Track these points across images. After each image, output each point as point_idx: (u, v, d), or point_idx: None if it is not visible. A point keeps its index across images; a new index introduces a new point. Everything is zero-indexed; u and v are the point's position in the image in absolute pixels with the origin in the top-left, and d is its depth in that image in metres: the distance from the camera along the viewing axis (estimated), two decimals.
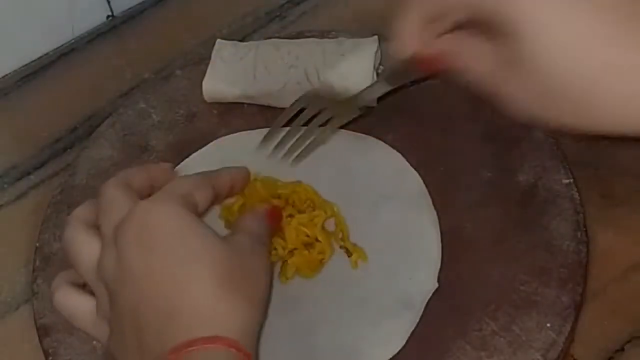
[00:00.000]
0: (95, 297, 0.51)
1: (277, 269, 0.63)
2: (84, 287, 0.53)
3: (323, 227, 0.63)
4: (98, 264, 0.49)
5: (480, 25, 0.44)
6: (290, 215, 0.63)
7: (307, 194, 0.65)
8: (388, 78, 0.62)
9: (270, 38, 0.77)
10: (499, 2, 0.40)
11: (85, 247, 0.50)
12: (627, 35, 0.38)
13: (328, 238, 0.63)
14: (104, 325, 0.50)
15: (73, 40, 0.86)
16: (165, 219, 0.47)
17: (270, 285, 0.55)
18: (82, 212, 0.53)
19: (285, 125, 0.68)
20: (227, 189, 0.59)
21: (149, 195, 0.52)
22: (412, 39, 0.49)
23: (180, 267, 0.46)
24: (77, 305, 0.52)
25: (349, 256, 0.63)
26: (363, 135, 0.71)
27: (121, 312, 0.48)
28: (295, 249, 0.62)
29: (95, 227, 0.51)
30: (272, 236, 0.60)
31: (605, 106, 0.38)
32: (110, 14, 0.87)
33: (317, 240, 0.63)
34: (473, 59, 0.44)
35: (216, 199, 0.57)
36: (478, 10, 0.42)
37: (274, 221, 0.60)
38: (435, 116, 0.71)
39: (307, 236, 0.62)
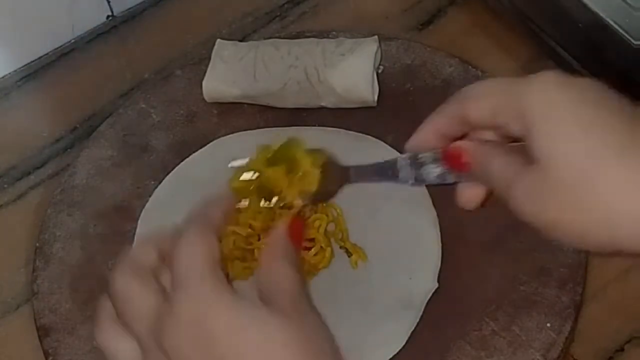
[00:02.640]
0: None
1: None
2: None
3: (326, 230, 0.63)
4: None
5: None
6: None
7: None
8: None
9: (270, 38, 0.78)
10: (523, 92, 0.42)
11: (121, 355, 0.46)
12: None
13: (329, 243, 0.63)
14: None
15: (73, 40, 0.86)
16: (222, 309, 0.43)
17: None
18: (107, 307, 0.48)
19: None
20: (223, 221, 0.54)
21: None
22: (430, 135, 0.49)
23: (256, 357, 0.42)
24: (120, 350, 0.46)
25: (349, 256, 0.63)
26: (363, 135, 0.71)
27: None
28: None
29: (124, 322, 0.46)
30: (301, 263, 0.57)
31: (622, 225, 0.38)
32: (110, 14, 0.87)
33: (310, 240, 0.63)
34: (493, 158, 0.45)
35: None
36: (502, 126, 0.44)
37: (297, 240, 0.52)
38: None
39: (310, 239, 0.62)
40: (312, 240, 0.62)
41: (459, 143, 0.47)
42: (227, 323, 0.43)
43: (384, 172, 0.54)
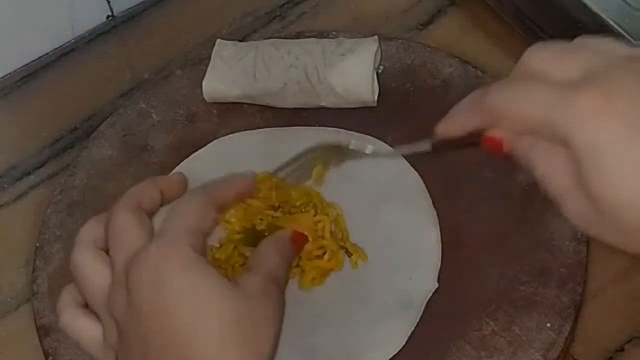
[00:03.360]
0: (102, 325, 0.50)
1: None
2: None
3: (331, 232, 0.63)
4: (108, 297, 0.48)
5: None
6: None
7: (309, 197, 0.65)
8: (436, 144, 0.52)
9: (270, 38, 0.77)
10: (564, 122, 0.37)
11: (94, 276, 0.49)
12: None
13: (338, 245, 0.63)
14: (111, 355, 0.49)
15: (73, 40, 0.86)
16: (177, 267, 0.46)
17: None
18: (90, 232, 0.52)
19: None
20: (231, 201, 0.58)
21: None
22: (467, 117, 0.45)
23: (189, 318, 0.45)
24: (85, 329, 0.51)
25: (349, 256, 0.63)
26: (363, 135, 0.71)
27: (130, 349, 0.47)
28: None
29: (104, 250, 0.50)
30: (290, 266, 0.58)
31: None
32: (110, 14, 0.87)
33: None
34: (542, 159, 0.41)
35: (222, 213, 0.56)
36: (544, 129, 0.39)
37: (298, 246, 0.58)
38: (435, 116, 0.71)
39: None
40: (322, 247, 0.62)
41: (499, 132, 0.43)
42: (184, 279, 0.46)
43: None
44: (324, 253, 0.62)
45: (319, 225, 0.62)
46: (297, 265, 0.62)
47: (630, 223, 0.36)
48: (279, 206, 0.63)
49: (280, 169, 0.63)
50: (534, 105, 0.39)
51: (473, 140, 0.44)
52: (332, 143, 0.63)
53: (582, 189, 0.38)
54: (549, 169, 0.40)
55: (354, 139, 0.64)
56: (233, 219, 0.62)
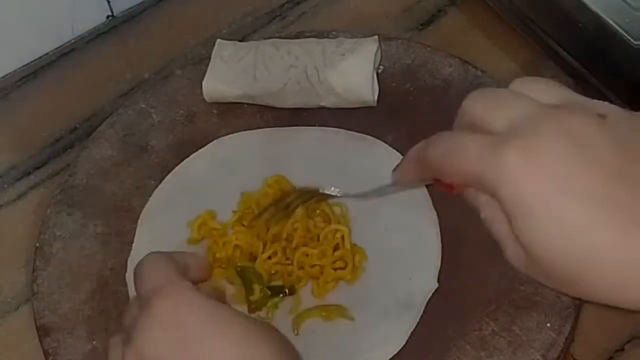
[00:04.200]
0: None
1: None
2: None
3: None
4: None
5: None
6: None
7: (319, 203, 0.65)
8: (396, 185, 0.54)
9: (270, 38, 0.77)
10: (492, 178, 0.38)
11: None
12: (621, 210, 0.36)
13: (354, 255, 0.63)
14: None
15: (73, 40, 0.85)
16: (190, 307, 0.47)
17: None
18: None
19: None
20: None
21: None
22: (413, 169, 0.46)
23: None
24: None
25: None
26: (363, 135, 0.71)
27: None
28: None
29: None
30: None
31: (600, 284, 0.37)
32: (110, 14, 0.87)
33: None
34: (485, 205, 0.42)
35: None
36: (476, 185, 0.41)
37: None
38: (435, 116, 0.71)
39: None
40: (341, 258, 0.63)
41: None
42: (203, 320, 0.45)
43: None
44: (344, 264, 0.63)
45: (338, 235, 0.63)
46: (317, 278, 0.62)
47: (556, 271, 0.37)
48: (287, 206, 0.64)
49: (259, 215, 0.64)
50: (468, 161, 0.40)
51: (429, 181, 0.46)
52: (304, 189, 0.65)
53: (514, 239, 0.39)
54: (490, 214, 0.42)
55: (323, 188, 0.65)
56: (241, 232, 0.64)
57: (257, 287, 0.62)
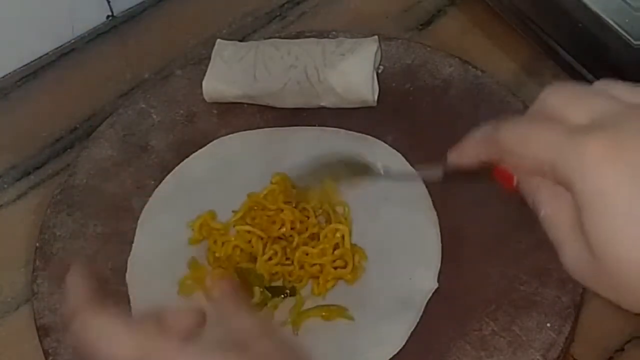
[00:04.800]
0: None
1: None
2: None
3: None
4: None
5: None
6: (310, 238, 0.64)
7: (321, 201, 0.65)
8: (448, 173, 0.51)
9: (270, 38, 0.77)
10: (569, 167, 0.37)
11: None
12: None
13: (353, 254, 0.63)
14: None
15: (73, 40, 0.85)
16: None
17: None
18: None
19: None
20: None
21: None
22: (479, 149, 0.44)
23: None
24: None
25: None
26: (363, 135, 0.71)
27: None
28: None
29: None
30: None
31: None
32: (110, 14, 0.87)
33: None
34: (547, 201, 0.40)
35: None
36: (550, 171, 0.38)
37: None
38: (435, 116, 0.71)
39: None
40: (341, 257, 0.63)
41: (509, 167, 0.42)
42: None
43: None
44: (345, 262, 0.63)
45: (338, 234, 0.63)
46: (317, 277, 0.62)
47: (627, 278, 0.36)
48: (295, 205, 0.64)
49: (295, 168, 0.62)
50: (542, 146, 0.38)
51: (484, 171, 0.44)
52: (353, 158, 0.60)
53: (581, 237, 0.37)
54: (552, 212, 0.40)
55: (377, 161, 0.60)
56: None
57: (257, 290, 0.62)
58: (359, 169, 0.58)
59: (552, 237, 0.40)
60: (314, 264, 0.62)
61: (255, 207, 0.66)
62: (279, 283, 0.63)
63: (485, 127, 0.43)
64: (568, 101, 0.39)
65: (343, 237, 0.63)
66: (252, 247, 0.64)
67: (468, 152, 0.45)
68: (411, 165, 0.67)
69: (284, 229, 0.64)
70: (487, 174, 0.43)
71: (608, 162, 0.36)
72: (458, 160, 0.45)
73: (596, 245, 0.36)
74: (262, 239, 0.64)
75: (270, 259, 0.63)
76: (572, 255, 0.38)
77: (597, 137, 0.36)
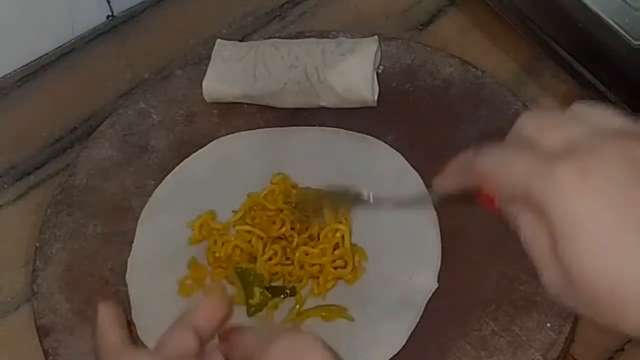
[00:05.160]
0: None
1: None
2: None
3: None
4: None
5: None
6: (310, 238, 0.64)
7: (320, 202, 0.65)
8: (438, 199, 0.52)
9: (270, 38, 0.77)
10: (541, 194, 0.37)
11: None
12: None
13: (353, 254, 0.63)
14: None
15: (73, 40, 0.85)
16: None
17: None
18: None
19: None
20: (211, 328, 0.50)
21: None
22: (459, 176, 0.45)
23: None
24: None
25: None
26: (363, 135, 0.71)
27: None
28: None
29: None
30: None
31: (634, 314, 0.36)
32: (110, 14, 0.87)
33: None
34: (527, 225, 0.41)
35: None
36: (525, 197, 0.39)
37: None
38: (435, 116, 0.71)
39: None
40: (341, 257, 0.63)
41: (491, 192, 0.43)
42: None
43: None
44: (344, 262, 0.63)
45: (338, 234, 0.63)
46: (317, 277, 0.62)
47: (600, 299, 0.36)
48: (295, 205, 0.64)
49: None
50: (517, 174, 0.39)
51: (469, 196, 0.45)
52: (334, 187, 0.63)
53: (556, 263, 0.38)
54: (531, 236, 0.40)
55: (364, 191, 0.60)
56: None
57: (257, 290, 0.62)
58: (348, 199, 0.60)
59: (532, 258, 0.40)
60: (314, 264, 0.62)
61: (255, 207, 0.66)
62: (279, 283, 0.63)
63: (465, 154, 0.44)
64: (543, 127, 0.40)
65: (343, 237, 0.63)
66: (252, 247, 0.64)
67: (450, 178, 0.46)
68: (415, 169, 0.67)
69: (283, 229, 0.64)
70: (472, 200, 0.44)
71: (578, 189, 0.36)
72: (441, 187, 0.47)
73: (570, 270, 0.37)
74: (262, 238, 0.64)
75: (270, 259, 0.63)
76: (551, 278, 0.39)
77: (569, 165, 0.37)
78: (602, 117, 0.40)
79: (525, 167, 0.38)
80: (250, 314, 0.62)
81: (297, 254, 0.62)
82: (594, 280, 0.36)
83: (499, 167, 0.40)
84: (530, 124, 0.41)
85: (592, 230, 0.36)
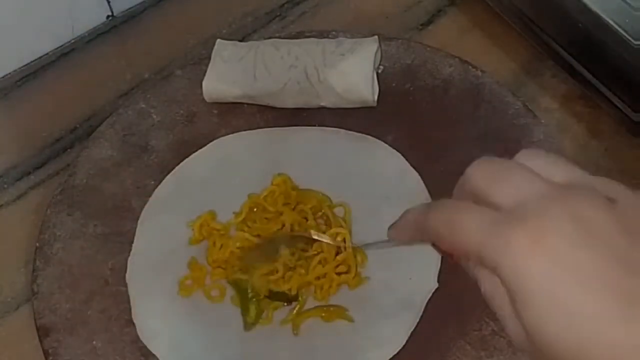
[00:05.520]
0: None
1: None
2: None
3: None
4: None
5: None
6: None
7: (320, 203, 0.65)
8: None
9: (270, 38, 0.77)
10: (495, 257, 0.37)
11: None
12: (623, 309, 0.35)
13: (355, 257, 0.63)
14: None
15: (73, 40, 0.86)
16: None
17: None
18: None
19: None
20: None
21: None
22: (412, 231, 0.45)
23: None
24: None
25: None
26: (363, 135, 0.71)
27: None
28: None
29: None
30: None
31: None
32: (110, 14, 0.87)
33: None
34: (485, 279, 0.41)
35: None
36: (478, 258, 0.39)
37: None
38: (435, 116, 0.71)
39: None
40: (344, 262, 0.63)
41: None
42: None
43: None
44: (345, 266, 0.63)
45: (340, 237, 0.63)
46: (318, 278, 0.62)
47: (559, 355, 0.36)
48: (294, 207, 0.64)
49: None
50: (467, 235, 0.39)
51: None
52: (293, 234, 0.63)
53: (515, 320, 0.38)
54: (491, 290, 0.40)
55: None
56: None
57: (252, 308, 0.62)
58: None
59: (494, 312, 0.40)
60: (318, 277, 0.62)
61: (255, 209, 0.66)
62: (280, 289, 0.63)
63: (417, 209, 0.43)
64: (491, 180, 0.40)
65: (344, 240, 0.63)
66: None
67: (403, 233, 0.46)
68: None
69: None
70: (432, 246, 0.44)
71: (530, 249, 0.36)
72: (397, 237, 0.47)
73: (527, 328, 0.37)
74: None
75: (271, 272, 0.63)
76: (512, 329, 0.39)
77: (519, 225, 0.36)
78: (548, 167, 0.39)
79: (476, 227, 0.38)
80: (247, 328, 0.61)
81: (295, 276, 0.62)
82: (548, 340, 0.36)
83: (449, 228, 0.40)
84: (478, 176, 0.40)
85: (546, 292, 0.36)
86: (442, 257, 0.62)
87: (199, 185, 0.70)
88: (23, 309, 0.68)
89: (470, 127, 0.70)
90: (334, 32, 0.77)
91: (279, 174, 0.68)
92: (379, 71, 0.74)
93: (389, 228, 0.47)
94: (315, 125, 0.72)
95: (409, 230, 0.45)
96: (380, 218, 0.65)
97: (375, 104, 0.72)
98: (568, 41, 0.73)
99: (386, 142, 0.70)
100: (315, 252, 0.62)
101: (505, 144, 0.67)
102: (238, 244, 0.64)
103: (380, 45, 0.73)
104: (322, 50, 0.72)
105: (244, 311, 0.62)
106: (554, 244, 0.36)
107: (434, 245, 0.43)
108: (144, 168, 0.72)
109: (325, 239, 0.62)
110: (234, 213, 0.66)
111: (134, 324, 0.63)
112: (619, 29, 0.68)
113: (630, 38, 0.67)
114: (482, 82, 0.72)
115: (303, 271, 0.62)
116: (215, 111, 0.75)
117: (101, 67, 0.83)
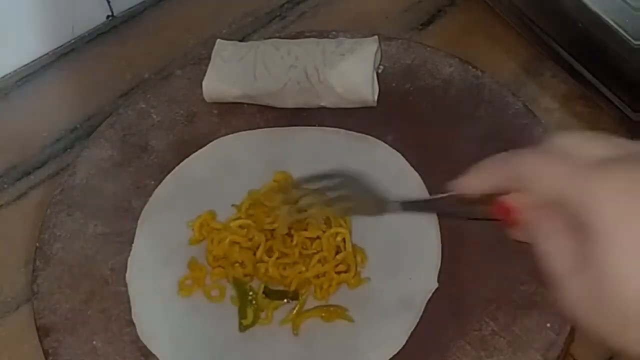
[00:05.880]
0: None
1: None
2: None
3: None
4: None
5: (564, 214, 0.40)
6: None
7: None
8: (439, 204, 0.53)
9: (270, 38, 0.77)
10: (580, 198, 0.37)
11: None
12: None
13: (355, 257, 0.63)
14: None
15: (73, 40, 0.86)
16: None
17: None
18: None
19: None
20: None
21: None
22: (490, 176, 0.44)
23: None
24: None
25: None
26: (363, 135, 0.71)
27: None
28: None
29: None
30: None
31: None
32: (110, 14, 0.87)
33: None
34: (547, 236, 0.40)
35: None
36: (561, 201, 0.39)
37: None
38: (435, 116, 0.71)
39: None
40: (344, 261, 0.63)
41: (511, 200, 0.43)
42: None
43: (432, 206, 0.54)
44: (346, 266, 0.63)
45: (339, 237, 0.63)
46: (317, 277, 0.62)
47: (631, 313, 0.36)
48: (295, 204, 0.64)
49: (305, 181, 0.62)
50: (557, 177, 0.39)
51: (483, 205, 0.44)
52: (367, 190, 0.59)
53: (584, 273, 0.37)
54: (553, 247, 0.40)
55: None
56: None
57: (250, 312, 0.62)
58: (372, 203, 0.57)
59: (550, 272, 0.40)
60: (317, 275, 0.62)
61: (255, 204, 0.66)
62: (279, 287, 0.63)
63: (496, 156, 0.43)
64: (579, 142, 0.40)
65: (344, 240, 0.63)
66: (250, 241, 0.63)
67: (478, 178, 0.45)
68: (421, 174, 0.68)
69: (276, 224, 0.63)
70: (486, 209, 0.44)
71: (623, 197, 0.36)
72: (466, 188, 0.46)
73: (601, 279, 0.36)
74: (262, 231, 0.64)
75: (269, 256, 0.63)
76: (571, 291, 0.38)
77: (615, 172, 0.37)
78: (626, 142, 0.40)
79: (564, 172, 0.39)
80: (241, 330, 0.61)
81: (296, 250, 0.62)
82: (625, 290, 0.35)
83: (536, 170, 0.40)
84: (565, 139, 0.41)
85: (633, 238, 0.35)
86: (442, 257, 0.63)
87: (199, 185, 0.70)
88: (23, 309, 0.68)
89: (470, 127, 0.70)
90: (334, 32, 0.77)
91: (281, 172, 0.67)
92: (379, 71, 0.74)
93: (458, 180, 0.46)
94: (315, 125, 0.72)
95: (485, 179, 0.44)
96: (379, 218, 0.65)
97: (375, 104, 0.72)
98: (568, 41, 0.73)
99: (386, 142, 0.70)
100: (315, 251, 0.62)
101: (505, 144, 0.67)
102: (234, 237, 0.64)
103: (380, 45, 0.73)
104: (322, 50, 0.72)
105: (242, 313, 0.62)
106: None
107: (494, 204, 0.43)
108: (144, 168, 0.72)
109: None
110: (233, 206, 0.66)
111: (134, 324, 0.63)
112: (619, 29, 0.68)
113: (630, 38, 0.67)
114: (482, 82, 0.72)
115: (303, 268, 0.62)
116: (215, 111, 0.75)
117: (101, 67, 0.83)
